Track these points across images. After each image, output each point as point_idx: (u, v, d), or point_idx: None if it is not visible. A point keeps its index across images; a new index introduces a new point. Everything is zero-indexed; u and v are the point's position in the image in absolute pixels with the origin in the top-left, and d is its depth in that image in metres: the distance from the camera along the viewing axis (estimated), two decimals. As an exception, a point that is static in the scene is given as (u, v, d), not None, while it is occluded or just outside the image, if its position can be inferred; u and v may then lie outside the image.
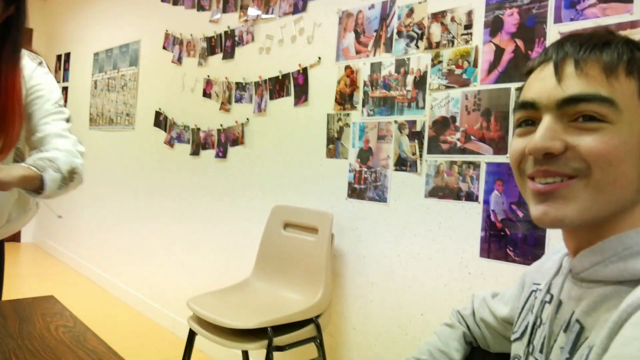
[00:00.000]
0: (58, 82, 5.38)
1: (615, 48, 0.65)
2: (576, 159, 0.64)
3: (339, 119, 2.25)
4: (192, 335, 2.05)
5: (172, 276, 3.38)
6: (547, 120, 0.66)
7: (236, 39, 2.89)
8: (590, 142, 0.63)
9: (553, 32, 1.57)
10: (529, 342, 0.78)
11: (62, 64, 5.44)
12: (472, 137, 1.76)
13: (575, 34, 0.69)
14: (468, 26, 1.80)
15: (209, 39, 3.11)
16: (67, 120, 1.42)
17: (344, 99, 2.23)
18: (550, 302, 0.75)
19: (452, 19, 1.84)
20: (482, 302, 1.04)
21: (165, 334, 3.30)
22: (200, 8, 3.19)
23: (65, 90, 5.31)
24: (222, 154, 2.95)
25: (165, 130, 3.51)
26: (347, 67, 2.22)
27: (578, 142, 0.64)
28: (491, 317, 1.00)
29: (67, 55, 5.33)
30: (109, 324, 3.40)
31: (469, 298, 1.09)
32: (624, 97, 0.63)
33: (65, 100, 5.30)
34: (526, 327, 0.83)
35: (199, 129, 3.15)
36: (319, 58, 2.37)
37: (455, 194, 1.81)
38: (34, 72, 1.38)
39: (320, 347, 2.03)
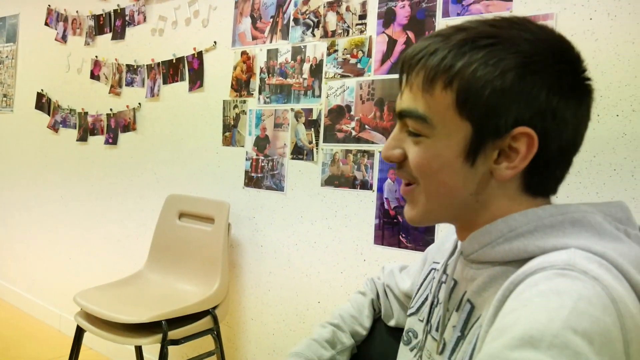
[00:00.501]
0: None
1: (440, 57, 0.65)
2: (411, 168, 0.69)
3: (235, 106, 2.20)
4: (80, 332, 1.95)
5: (57, 270, 3.18)
6: (395, 130, 0.72)
7: (127, 18, 2.73)
8: (412, 154, 0.68)
9: (441, 26, 1.62)
10: (428, 320, 0.81)
11: None
12: (366, 127, 1.79)
13: (424, 38, 0.70)
14: (362, 16, 1.82)
15: (96, 17, 2.92)
16: None
17: (241, 86, 2.18)
18: (446, 282, 0.78)
19: (347, 9, 1.85)
20: (390, 274, 1.07)
21: (51, 332, 3.10)
22: (86, -17, 2.99)
23: None
24: (113, 140, 2.79)
25: (48, 114, 3.27)
26: (244, 53, 2.17)
27: (408, 152, 0.69)
28: (397, 289, 1.03)
29: None
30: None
31: (364, 284, 1.11)
32: (437, 112, 0.65)
33: None
34: (422, 303, 0.85)
35: (86, 113, 2.96)
36: (215, 42, 2.30)
37: (350, 183, 1.83)
38: None
39: (218, 339, 2.00)
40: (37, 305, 3.31)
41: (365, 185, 1.80)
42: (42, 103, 3.32)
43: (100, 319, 1.84)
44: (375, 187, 1.77)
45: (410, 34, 1.70)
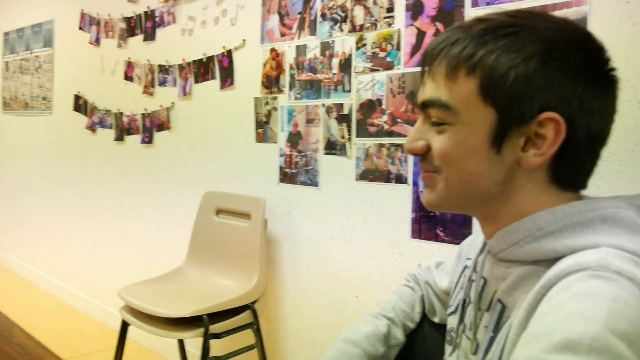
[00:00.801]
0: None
1: (461, 46, 0.65)
2: (434, 157, 0.69)
3: (267, 103, 2.21)
4: (124, 326, 2.01)
5: (100, 266, 3.27)
6: (417, 122, 0.72)
7: (157, 19, 2.77)
8: (436, 143, 0.68)
9: (471, 16, 1.59)
10: (461, 319, 0.80)
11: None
12: (398, 120, 1.78)
13: (445, 31, 0.70)
14: (390, 9, 1.80)
15: (128, 20, 2.96)
16: None
17: (271, 82, 2.19)
18: (476, 280, 0.77)
19: (374, 2, 1.83)
20: (427, 270, 1.06)
21: (96, 325, 3.21)
22: (116, -14, 3.03)
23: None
24: (148, 140, 2.85)
25: (86, 115, 3.35)
26: (273, 50, 2.18)
27: (432, 142, 0.69)
28: (435, 287, 1.02)
29: (-27, 35, 4.95)
30: (36, 318, 3.26)
31: (402, 279, 1.10)
32: (460, 99, 0.65)
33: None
34: (459, 303, 0.85)
35: (121, 114, 3.03)
36: (244, 40, 2.31)
37: (385, 177, 1.83)
38: None
39: (258, 333, 2.03)
40: (82, 300, 3.42)
41: (400, 179, 1.79)
42: (79, 104, 3.41)
43: (144, 313, 1.89)
44: (410, 180, 1.76)
45: (439, 26, 1.67)
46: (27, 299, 3.68)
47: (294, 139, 2.11)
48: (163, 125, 2.75)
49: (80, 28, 3.35)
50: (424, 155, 0.70)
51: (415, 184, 1.75)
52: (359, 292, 1.92)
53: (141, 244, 2.95)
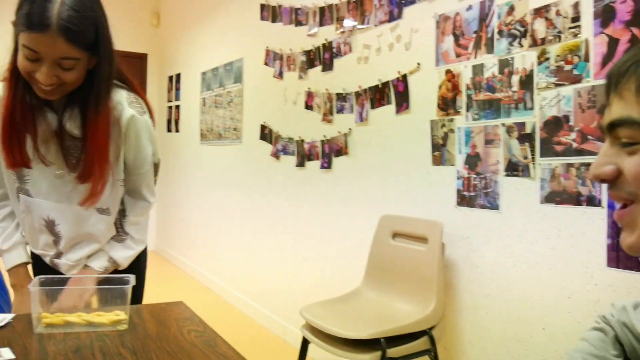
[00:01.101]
0: (170, 101, 5.77)
1: None
2: (628, 183, 0.61)
3: (443, 125, 2.18)
4: (305, 343, 2.09)
5: (282, 284, 3.47)
6: (604, 145, 0.66)
7: (334, 50, 2.90)
8: (630, 165, 0.61)
9: (677, 18, 1.42)
10: None
11: (173, 84, 5.79)
12: (589, 137, 1.64)
13: (628, 51, 0.64)
14: (575, 19, 1.68)
15: (307, 53, 3.16)
16: (156, 173, 1.51)
17: (447, 104, 2.16)
18: None
19: (557, 13, 1.73)
20: (622, 310, 0.95)
21: (277, 340, 3.39)
22: (298, 23, 3.25)
23: (177, 108, 5.65)
24: (327, 165, 2.98)
25: (270, 143, 3.61)
26: (448, 71, 2.15)
27: (623, 165, 0.62)
28: (634, 329, 0.91)
29: (178, 76, 5.66)
30: (225, 330, 3.53)
31: (596, 312, 1.00)
32: None
33: (178, 118, 5.63)
34: None
35: (303, 141, 3.21)
36: (418, 64, 2.32)
37: (574, 199, 1.69)
38: (130, 122, 1.38)
39: (436, 360, 1.99)
40: (265, 316, 3.65)
41: (592, 202, 1.64)
42: (265, 134, 3.69)
43: (323, 333, 1.96)
44: (604, 203, 1.60)
45: (636, 31, 1.51)
46: (216, 311, 4.03)
47: (472, 160, 2.05)
48: (341, 151, 2.86)
49: (266, 63, 3.65)
50: (613, 181, 0.64)
51: (610, 206, 1.59)
52: (546, 324, 1.78)
53: (320, 265, 3.07)
